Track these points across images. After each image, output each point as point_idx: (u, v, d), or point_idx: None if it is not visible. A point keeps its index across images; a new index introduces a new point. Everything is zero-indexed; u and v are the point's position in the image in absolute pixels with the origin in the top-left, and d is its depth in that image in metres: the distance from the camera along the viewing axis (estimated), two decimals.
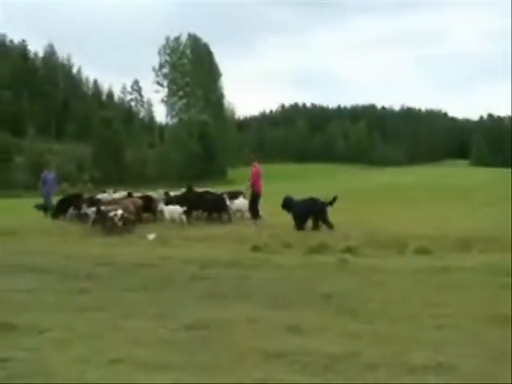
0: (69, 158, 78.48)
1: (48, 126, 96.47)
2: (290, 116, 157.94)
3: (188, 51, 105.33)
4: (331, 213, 15.43)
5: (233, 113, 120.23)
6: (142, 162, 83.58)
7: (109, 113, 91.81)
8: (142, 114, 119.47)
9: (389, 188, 39.21)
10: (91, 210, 17.54)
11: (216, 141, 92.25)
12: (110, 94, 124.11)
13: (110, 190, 23.58)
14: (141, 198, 19.35)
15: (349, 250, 11.78)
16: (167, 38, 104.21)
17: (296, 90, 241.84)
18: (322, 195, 16.62)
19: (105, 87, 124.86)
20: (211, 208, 18.69)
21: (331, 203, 15.60)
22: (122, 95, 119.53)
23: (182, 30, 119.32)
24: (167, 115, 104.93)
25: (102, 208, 16.90)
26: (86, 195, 22.00)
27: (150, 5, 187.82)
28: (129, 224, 16.26)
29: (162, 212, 17.67)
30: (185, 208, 17.00)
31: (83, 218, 18.26)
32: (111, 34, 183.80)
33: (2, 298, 7.98)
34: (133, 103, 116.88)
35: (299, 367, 5.00)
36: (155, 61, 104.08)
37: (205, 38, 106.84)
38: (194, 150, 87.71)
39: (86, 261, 11.18)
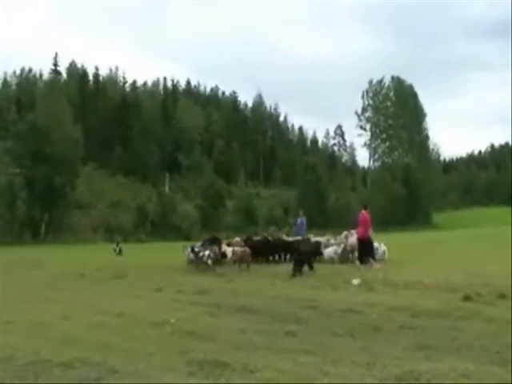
0: (276, 202, 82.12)
1: (256, 173, 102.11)
2: (501, 156, 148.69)
3: (391, 94, 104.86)
4: None
5: (438, 154, 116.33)
6: (345, 206, 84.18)
7: (313, 158, 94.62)
8: (345, 158, 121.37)
9: None
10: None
11: (420, 184, 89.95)
12: (314, 140, 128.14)
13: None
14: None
15: None
16: (370, 82, 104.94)
17: (507, 130, 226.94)
18: None
19: (309, 133, 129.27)
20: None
21: None
22: (325, 140, 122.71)
23: (385, 72, 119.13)
24: (370, 159, 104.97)
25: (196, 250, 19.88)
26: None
27: (353, 50, 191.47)
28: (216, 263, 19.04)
29: (225, 253, 19.41)
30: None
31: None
32: (315, 81, 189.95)
33: (215, 336, 8.46)
34: (336, 148, 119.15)
35: None
36: (358, 105, 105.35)
37: (409, 80, 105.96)
38: (397, 193, 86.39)
39: (292, 303, 11.43)
